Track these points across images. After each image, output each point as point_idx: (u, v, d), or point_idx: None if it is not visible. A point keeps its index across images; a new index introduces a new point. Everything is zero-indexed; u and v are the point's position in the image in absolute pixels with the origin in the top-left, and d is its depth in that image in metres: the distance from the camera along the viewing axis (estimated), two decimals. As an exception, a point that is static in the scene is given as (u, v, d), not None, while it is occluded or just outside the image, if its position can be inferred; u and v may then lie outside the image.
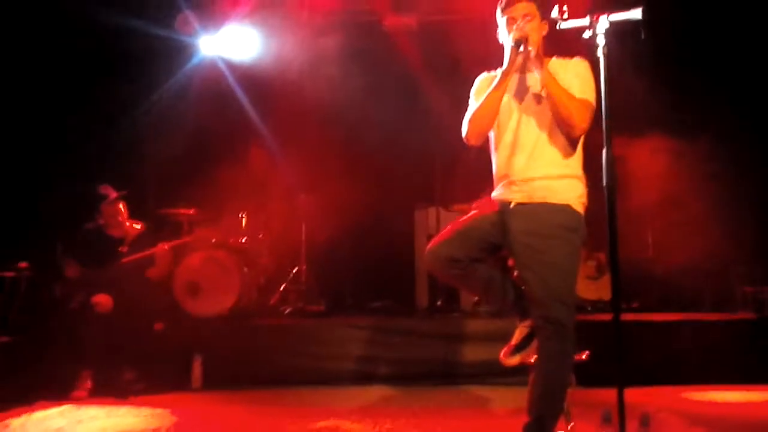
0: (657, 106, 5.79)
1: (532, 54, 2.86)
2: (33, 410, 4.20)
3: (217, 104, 6.56)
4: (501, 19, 3.01)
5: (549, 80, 2.84)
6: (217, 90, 6.62)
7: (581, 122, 2.83)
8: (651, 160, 5.97)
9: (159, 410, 4.22)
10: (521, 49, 2.87)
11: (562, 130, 2.89)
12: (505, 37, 2.96)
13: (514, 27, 2.88)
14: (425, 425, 3.72)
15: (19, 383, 4.55)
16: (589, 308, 5.56)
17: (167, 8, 6.15)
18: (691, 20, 5.78)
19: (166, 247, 5.07)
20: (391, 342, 5.09)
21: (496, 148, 3.06)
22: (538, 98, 2.96)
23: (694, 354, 4.73)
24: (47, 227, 5.28)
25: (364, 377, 4.98)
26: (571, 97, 2.83)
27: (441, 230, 3.15)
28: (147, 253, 5.04)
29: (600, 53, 2.65)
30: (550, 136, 2.93)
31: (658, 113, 5.84)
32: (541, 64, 2.85)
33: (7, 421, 3.94)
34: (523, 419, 2.89)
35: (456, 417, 4.00)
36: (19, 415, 4.09)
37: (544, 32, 2.97)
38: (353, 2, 6.34)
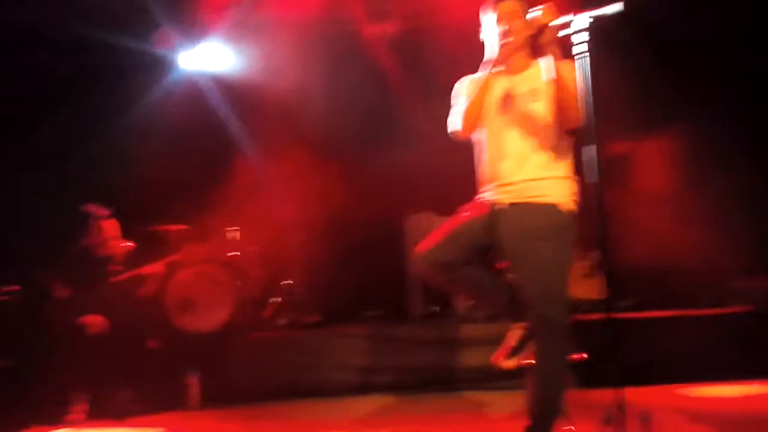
0: (642, 102, 5.77)
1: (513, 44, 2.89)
2: (28, 437, 4.15)
3: (200, 119, 6.51)
4: (487, 17, 3.02)
5: (561, 67, 2.78)
6: (200, 105, 6.58)
7: (579, 113, 2.76)
8: (639, 158, 5.96)
9: (156, 430, 4.17)
10: (508, 40, 2.87)
11: (562, 121, 2.86)
12: (492, 32, 2.97)
13: (502, 22, 2.91)
14: (425, 433, 3.69)
15: (13, 409, 4.49)
16: (584, 308, 5.52)
17: (145, 23, 6.10)
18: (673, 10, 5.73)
19: (160, 266, 5.03)
20: (388, 350, 5.07)
21: (483, 153, 3.05)
22: (524, 99, 2.95)
23: (690, 350, 4.70)
24: (34, 248, 5.23)
25: (362, 387, 4.95)
26: (574, 90, 2.78)
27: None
28: (139, 271, 5.00)
29: (580, 51, 2.64)
30: (539, 138, 2.92)
31: (643, 110, 5.82)
32: (557, 49, 2.79)
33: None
34: (523, 423, 2.87)
35: (455, 423, 3.98)
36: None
37: (530, 32, 2.97)
38: (331, 12, 6.30)
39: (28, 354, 4.84)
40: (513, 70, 3.02)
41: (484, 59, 2.99)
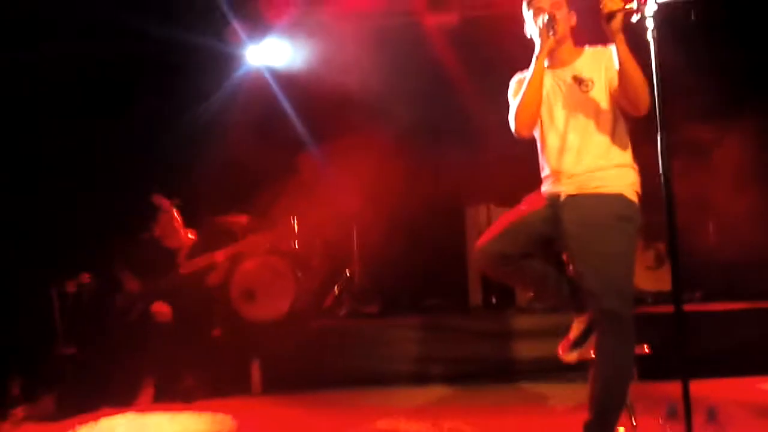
0: (714, 89, 5.59)
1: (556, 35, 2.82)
2: (98, 418, 4.30)
3: (265, 112, 6.61)
4: (528, 12, 2.98)
5: (626, 51, 2.70)
6: (265, 98, 6.68)
7: (648, 99, 2.68)
8: (710, 146, 5.79)
9: (220, 415, 4.28)
10: (551, 32, 2.82)
11: (629, 107, 2.80)
12: (533, 26, 2.93)
13: (546, 13, 2.84)
14: (484, 424, 3.68)
15: (85, 392, 4.67)
16: (650, 300, 5.40)
17: (213, 19, 6.23)
18: None
19: (222, 255, 5.15)
20: (446, 340, 5.07)
21: (543, 148, 3.01)
22: (577, 90, 2.90)
23: (761, 343, 4.56)
24: (105, 239, 5.40)
25: (420, 377, 4.95)
26: (641, 77, 2.69)
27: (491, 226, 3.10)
28: (206, 260, 5.11)
29: (650, 37, 2.57)
30: (597, 128, 2.87)
31: (715, 97, 5.64)
32: (624, 36, 2.70)
33: (73, 430, 4.05)
34: (584, 416, 2.83)
35: (515, 415, 3.95)
36: (84, 423, 4.20)
37: (573, 23, 2.94)
38: (392, 4, 6.31)
39: (99, 341, 5.02)
40: (564, 62, 2.95)
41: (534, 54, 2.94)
